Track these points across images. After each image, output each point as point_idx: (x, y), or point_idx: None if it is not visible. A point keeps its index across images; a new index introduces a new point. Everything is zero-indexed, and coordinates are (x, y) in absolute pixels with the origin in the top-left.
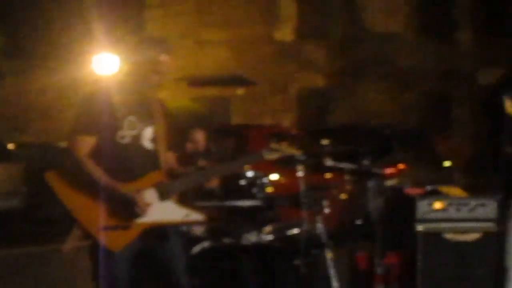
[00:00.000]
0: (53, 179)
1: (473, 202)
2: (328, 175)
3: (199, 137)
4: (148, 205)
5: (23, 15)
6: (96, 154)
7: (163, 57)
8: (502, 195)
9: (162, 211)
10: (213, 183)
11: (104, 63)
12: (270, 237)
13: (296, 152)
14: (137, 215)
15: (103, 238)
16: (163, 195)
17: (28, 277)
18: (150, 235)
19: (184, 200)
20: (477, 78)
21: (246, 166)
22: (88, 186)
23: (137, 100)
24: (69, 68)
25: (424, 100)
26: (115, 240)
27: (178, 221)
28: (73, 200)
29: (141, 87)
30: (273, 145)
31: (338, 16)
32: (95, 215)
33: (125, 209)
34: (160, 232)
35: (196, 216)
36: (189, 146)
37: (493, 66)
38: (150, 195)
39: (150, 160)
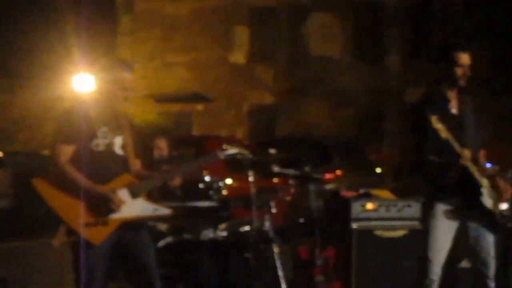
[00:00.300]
0: (39, 184)
1: (400, 203)
2: (275, 180)
3: (163, 144)
4: (122, 202)
5: (10, 39)
6: (75, 160)
7: (128, 76)
8: (426, 198)
9: (134, 207)
10: (176, 181)
11: (81, 82)
12: (224, 233)
13: (245, 152)
14: (113, 211)
15: (84, 233)
16: (134, 194)
17: (19, 267)
18: (124, 230)
19: (152, 197)
20: (404, 96)
21: (204, 172)
22: (70, 188)
23: (108, 113)
24: (51, 86)
25: (359, 115)
26: (96, 234)
27: (148, 215)
28: (58, 201)
29: (111, 102)
30: (225, 146)
31: (284, 42)
32: (77, 213)
33: (103, 207)
34: (132, 227)
35: (163, 210)
36: (155, 153)
37: (418, 86)
38: (123, 194)
39: (121, 165)
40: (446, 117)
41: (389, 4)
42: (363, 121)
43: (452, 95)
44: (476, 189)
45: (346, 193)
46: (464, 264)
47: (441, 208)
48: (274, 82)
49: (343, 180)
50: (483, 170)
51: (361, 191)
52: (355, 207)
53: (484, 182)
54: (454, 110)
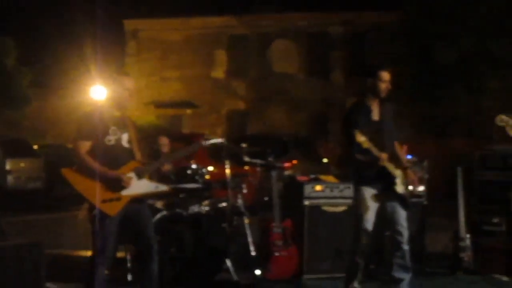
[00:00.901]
0: (67, 173)
1: (341, 186)
2: (246, 167)
3: (165, 141)
4: (130, 180)
5: (42, 58)
6: (92, 152)
7: (131, 85)
8: (354, 184)
9: (140, 186)
10: (170, 166)
11: (97, 92)
12: (207, 209)
13: (222, 141)
14: (124, 188)
15: (102, 207)
16: (140, 175)
17: (50, 234)
18: (132, 204)
19: (153, 179)
20: (346, 104)
21: (191, 161)
22: (90, 174)
23: (117, 116)
24: (74, 95)
25: (310, 119)
26: (111, 208)
27: (151, 192)
28: (81, 185)
29: (119, 107)
30: (207, 136)
31: (254, 62)
32: (96, 193)
33: (116, 186)
34: (138, 202)
35: (162, 187)
36: (161, 148)
37: (356, 96)
38: (131, 176)
39: (128, 155)
40: (369, 123)
41: (334, 34)
42: (314, 123)
43: (374, 105)
44: (391, 178)
45: (300, 178)
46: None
47: (366, 191)
48: (246, 92)
49: (298, 168)
50: (397, 164)
51: (312, 176)
52: (307, 188)
53: (397, 173)
54: (375, 117)
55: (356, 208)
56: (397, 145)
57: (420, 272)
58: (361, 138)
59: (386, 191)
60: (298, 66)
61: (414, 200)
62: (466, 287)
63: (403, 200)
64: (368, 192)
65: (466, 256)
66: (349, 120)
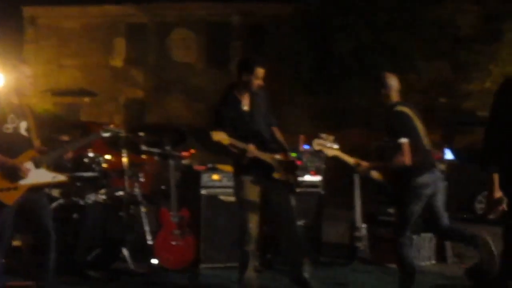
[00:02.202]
0: None
1: None
2: (143, 156)
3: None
4: (28, 171)
5: None
6: None
7: (29, 73)
8: (234, 173)
9: (38, 175)
10: (69, 155)
11: None
12: (104, 197)
13: (121, 131)
14: (21, 178)
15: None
16: (38, 165)
17: None
18: (29, 193)
19: (50, 168)
20: None
21: (89, 150)
22: None
23: (14, 103)
24: None
25: (208, 108)
26: (8, 197)
27: (49, 181)
28: None
29: (17, 94)
30: (106, 127)
31: (153, 50)
32: None
33: (14, 175)
34: (35, 191)
35: (60, 177)
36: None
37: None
38: (29, 165)
39: (26, 143)
40: (239, 115)
41: (234, 23)
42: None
43: (244, 96)
44: (269, 165)
45: (197, 167)
46: None
47: (246, 179)
48: (144, 81)
49: (195, 157)
50: (274, 151)
51: (209, 165)
52: (204, 178)
53: (273, 161)
54: (245, 108)
55: (239, 198)
56: (276, 131)
57: (316, 261)
58: (218, 137)
59: (267, 178)
60: (197, 56)
61: (311, 190)
62: (362, 276)
63: (286, 186)
64: (248, 181)
65: (362, 246)
66: (216, 117)
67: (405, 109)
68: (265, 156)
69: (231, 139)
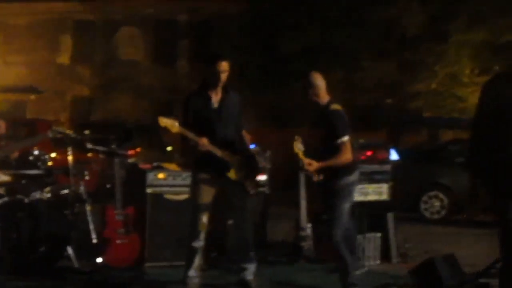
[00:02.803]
0: None
1: (184, 174)
2: (89, 154)
3: (1, 124)
4: None
5: None
6: None
7: None
8: (191, 171)
9: None
10: (15, 155)
11: None
12: (49, 195)
13: (69, 132)
14: None
15: None
16: None
17: None
18: None
19: None
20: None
21: (35, 148)
22: None
23: None
24: None
25: (155, 106)
26: None
27: None
28: None
29: None
30: (55, 127)
31: (100, 48)
32: None
33: None
34: None
35: (4, 177)
36: None
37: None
38: None
39: None
40: (207, 110)
41: (181, 22)
42: (159, 110)
43: (214, 93)
44: (225, 163)
45: (143, 166)
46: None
47: (202, 177)
48: (91, 79)
49: (141, 156)
50: (236, 152)
51: (155, 164)
52: (150, 176)
53: (233, 160)
54: (215, 105)
55: (192, 194)
56: (245, 135)
57: (262, 260)
58: (166, 123)
59: (223, 176)
60: (144, 53)
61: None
62: (306, 275)
63: (240, 186)
64: (204, 179)
65: (307, 245)
66: (183, 107)
67: (339, 107)
68: (220, 153)
69: (181, 129)
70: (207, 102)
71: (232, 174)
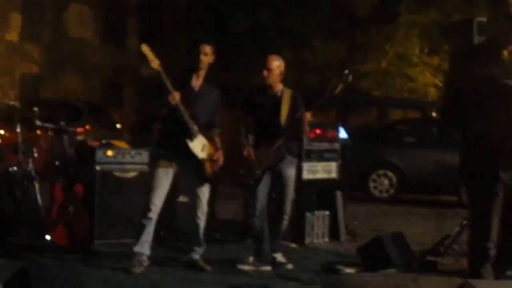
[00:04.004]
0: None
1: (133, 152)
2: (37, 132)
3: None
4: None
5: None
6: None
7: None
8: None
9: None
10: None
11: None
12: None
13: (15, 103)
14: None
15: None
16: None
17: None
18: None
19: None
20: (140, 71)
21: None
22: None
23: None
24: None
25: (104, 85)
26: None
27: None
28: None
29: None
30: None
31: (49, 25)
32: None
33: None
34: None
35: None
36: None
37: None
38: None
39: None
40: (187, 89)
41: (131, 0)
42: (108, 89)
43: (196, 76)
44: (188, 135)
45: (92, 143)
46: (182, 199)
47: (162, 153)
48: (40, 56)
49: (90, 133)
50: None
51: (104, 141)
52: (99, 154)
53: (195, 131)
54: (195, 88)
55: (150, 170)
56: (215, 134)
57: (210, 239)
58: (147, 50)
59: (182, 157)
60: (94, 32)
61: None
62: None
63: (201, 167)
64: (164, 155)
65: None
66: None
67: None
68: (187, 116)
69: (161, 68)
70: (188, 81)
71: (193, 146)
